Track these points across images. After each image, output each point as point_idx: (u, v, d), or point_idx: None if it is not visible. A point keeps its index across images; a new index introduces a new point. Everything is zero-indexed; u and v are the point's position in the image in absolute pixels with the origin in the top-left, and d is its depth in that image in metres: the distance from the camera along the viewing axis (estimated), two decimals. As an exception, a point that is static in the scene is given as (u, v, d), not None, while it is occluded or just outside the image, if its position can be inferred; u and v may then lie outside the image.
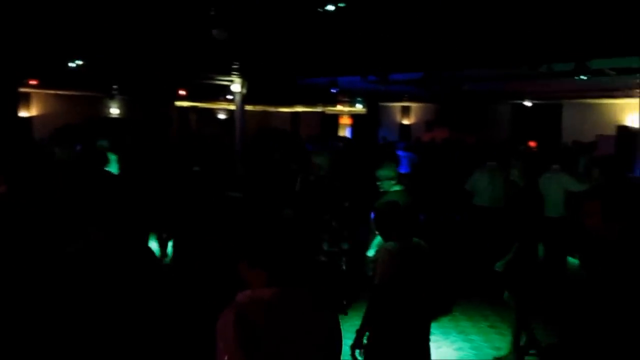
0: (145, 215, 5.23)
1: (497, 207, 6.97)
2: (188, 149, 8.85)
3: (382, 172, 5.27)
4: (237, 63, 10.31)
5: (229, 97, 14.10)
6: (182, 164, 7.24)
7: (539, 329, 5.12)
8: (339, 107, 20.29)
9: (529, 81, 11.63)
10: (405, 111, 20.85)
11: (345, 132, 21.24)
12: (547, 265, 7.00)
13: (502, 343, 5.15)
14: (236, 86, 11.82)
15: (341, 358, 2.05)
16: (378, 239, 5.19)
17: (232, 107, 13.44)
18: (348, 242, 5.76)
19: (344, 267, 5.74)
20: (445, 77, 9.19)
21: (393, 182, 5.21)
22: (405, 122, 20.90)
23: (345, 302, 5.78)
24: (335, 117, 21.82)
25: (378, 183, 5.34)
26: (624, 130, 15.12)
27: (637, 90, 13.05)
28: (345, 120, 21.79)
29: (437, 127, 18.68)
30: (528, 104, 16.67)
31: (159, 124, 15.19)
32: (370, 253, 5.20)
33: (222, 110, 19.53)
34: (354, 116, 20.83)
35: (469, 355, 5.01)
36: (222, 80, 12.24)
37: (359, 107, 19.18)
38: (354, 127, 20.60)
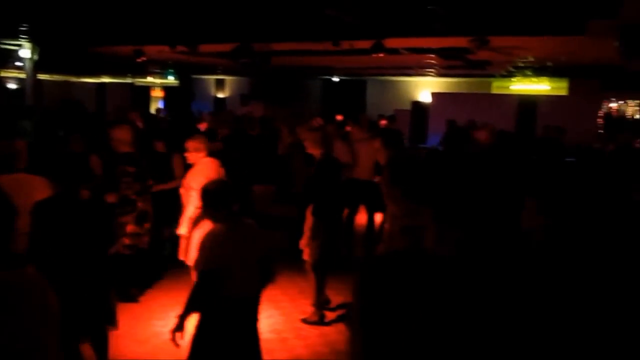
0: None
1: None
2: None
3: (191, 143, 5.16)
4: (25, 25, 9.13)
5: (19, 63, 12.49)
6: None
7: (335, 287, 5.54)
8: (150, 79, 19.26)
9: (335, 57, 12.22)
10: (220, 84, 20.60)
11: (157, 105, 20.31)
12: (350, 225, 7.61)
13: (311, 308, 5.41)
14: (25, 51, 10.51)
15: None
16: (188, 216, 5.06)
17: (23, 75, 11.94)
18: (150, 222, 5.52)
19: (145, 248, 5.48)
20: (255, 50, 9.20)
21: (202, 154, 5.13)
22: (220, 95, 20.66)
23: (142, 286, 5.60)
24: (146, 89, 20.72)
25: (186, 154, 5.22)
26: (417, 105, 16.77)
27: (428, 69, 14.52)
28: (157, 93, 20.81)
29: (253, 101, 18.81)
30: (336, 79, 17.57)
31: None
32: (182, 231, 5.05)
33: (11, 79, 17.26)
34: (166, 88, 19.99)
35: (279, 322, 5.18)
36: (7, 44, 10.78)
37: (171, 79, 18.42)
38: (167, 100, 19.78)
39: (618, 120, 14.57)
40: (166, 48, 9.71)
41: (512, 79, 15.05)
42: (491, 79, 15.93)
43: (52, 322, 1.89)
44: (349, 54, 9.94)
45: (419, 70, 14.76)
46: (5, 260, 1.82)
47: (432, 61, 12.16)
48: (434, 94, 15.14)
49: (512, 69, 13.35)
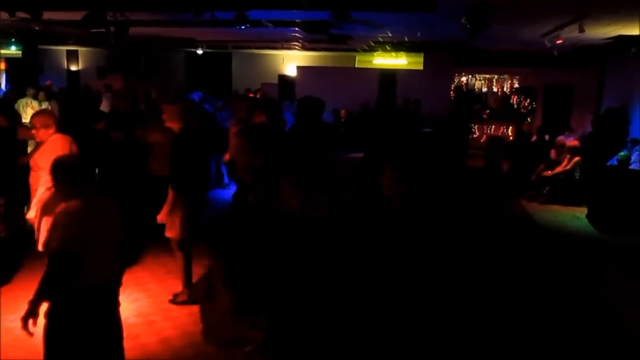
0: None
1: None
2: None
3: (38, 119, 4.76)
4: None
5: None
6: None
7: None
8: (-12, 49, 17.26)
9: (199, 29, 11.79)
10: (73, 56, 19.05)
11: (-1, 79, 18.31)
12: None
13: (179, 288, 5.25)
14: None
15: None
16: (37, 198, 4.65)
17: None
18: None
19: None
20: (109, 19, 8.55)
21: (51, 130, 4.76)
22: (74, 68, 19.13)
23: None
24: (-15, 60, 18.56)
25: (33, 131, 4.81)
26: (284, 78, 16.84)
27: (294, 43, 14.58)
28: (-2, 65, 18.74)
29: (110, 74, 17.65)
30: (200, 52, 17.03)
31: None
32: (31, 214, 4.66)
33: None
34: (9, 60, 18.02)
35: (145, 304, 4.97)
36: None
37: (13, 50, 16.63)
38: (9, 73, 17.85)
39: (467, 93, 15.84)
40: (4, 14, 8.69)
41: (374, 54, 15.65)
42: (355, 54, 16.41)
43: None
44: (212, 26, 9.65)
45: (285, 43, 14.77)
46: None
47: (297, 35, 12.21)
48: (299, 68, 15.26)
49: (372, 44, 13.86)
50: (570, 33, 8.39)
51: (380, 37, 12.35)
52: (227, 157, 6.78)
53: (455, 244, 6.80)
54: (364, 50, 15.49)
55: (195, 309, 4.91)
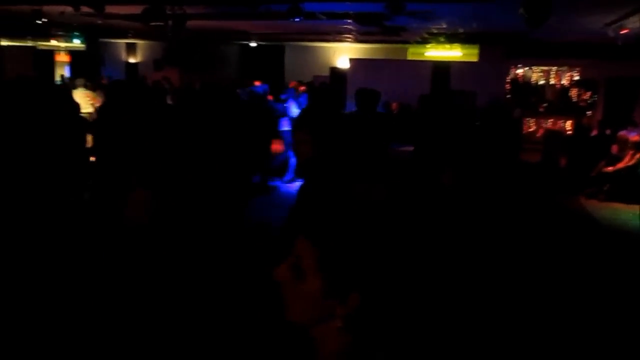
0: None
1: None
2: None
3: None
4: None
5: None
6: None
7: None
8: (54, 42, 18.01)
9: (253, 22, 11.94)
10: (131, 48, 19.65)
11: (64, 71, 19.11)
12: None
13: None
14: None
15: None
16: None
17: None
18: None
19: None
20: (168, 13, 8.78)
21: None
22: (132, 60, 19.74)
23: None
24: (51, 53, 19.40)
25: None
26: (335, 71, 16.85)
27: (346, 35, 14.55)
28: (63, 58, 19.55)
29: (167, 67, 18.12)
30: (253, 44, 17.24)
31: None
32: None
33: None
34: (73, 53, 18.80)
35: None
36: None
37: (77, 43, 17.32)
38: (73, 66, 18.63)
39: (524, 86, 15.38)
40: (69, 9, 9.07)
41: (427, 46, 15.40)
42: (407, 46, 16.21)
43: None
44: (267, 18, 9.76)
45: (337, 36, 14.76)
46: None
47: (350, 27, 12.18)
48: (351, 60, 15.21)
49: (426, 36, 13.64)
50: (637, 22, 8.01)
51: (435, 28, 12.15)
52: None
53: (513, 241, 6.65)
54: (417, 42, 15.28)
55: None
